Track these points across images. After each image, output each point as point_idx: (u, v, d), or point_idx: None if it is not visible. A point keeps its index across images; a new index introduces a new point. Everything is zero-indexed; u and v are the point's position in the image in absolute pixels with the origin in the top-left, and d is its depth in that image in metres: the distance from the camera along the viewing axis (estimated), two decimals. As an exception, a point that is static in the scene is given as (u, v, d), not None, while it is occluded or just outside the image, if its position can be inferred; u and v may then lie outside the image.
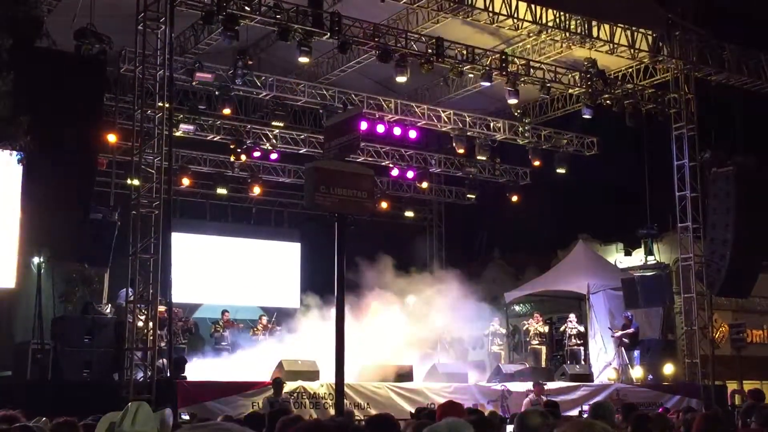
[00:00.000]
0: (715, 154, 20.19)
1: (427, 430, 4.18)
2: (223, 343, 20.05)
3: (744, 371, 21.35)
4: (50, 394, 13.70)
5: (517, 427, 4.98)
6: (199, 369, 17.59)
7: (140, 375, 14.39)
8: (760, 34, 21.74)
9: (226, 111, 19.92)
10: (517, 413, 6.39)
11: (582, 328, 21.72)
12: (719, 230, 19.95)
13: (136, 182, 15.23)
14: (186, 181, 22.70)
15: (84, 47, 14.69)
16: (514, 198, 25.90)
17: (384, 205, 26.01)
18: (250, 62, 19.01)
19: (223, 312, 20.92)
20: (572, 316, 21.88)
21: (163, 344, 15.75)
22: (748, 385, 20.60)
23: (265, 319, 21.07)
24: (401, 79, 18.48)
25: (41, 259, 15.54)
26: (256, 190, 24.35)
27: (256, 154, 22.91)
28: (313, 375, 15.97)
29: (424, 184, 26.04)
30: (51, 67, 13.99)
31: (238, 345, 20.01)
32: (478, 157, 24.00)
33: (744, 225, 19.64)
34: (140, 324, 15.06)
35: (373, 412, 14.33)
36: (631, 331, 20.88)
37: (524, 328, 22.57)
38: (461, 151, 23.15)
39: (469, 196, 26.31)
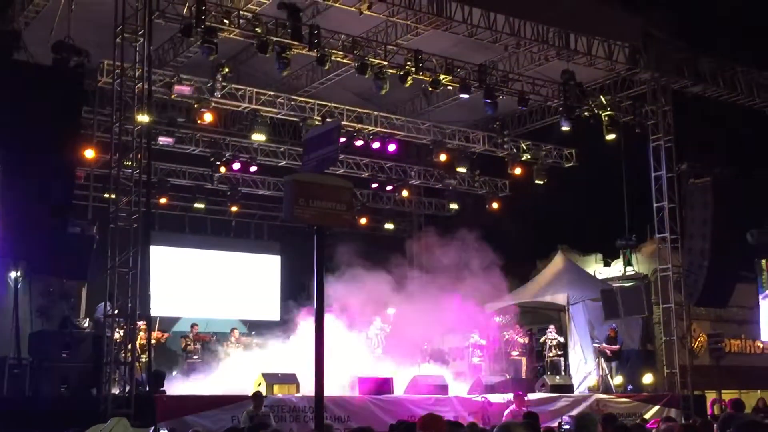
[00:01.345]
0: (692, 165, 20.39)
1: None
2: (195, 357, 19.84)
3: (722, 381, 21.49)
4: (28, 410, 13.54)
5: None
6: (175, 383, 17.48)
7: (119, 389, 14.28)
8: (735, 46, 22.02)
9: (208, 117, 19.73)
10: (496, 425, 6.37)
11: (562, 339, 21.79)
12: (697, 241, 20.12)
13: (114, 195, 15.13)
14: (163, 201, 22.72)
15: (62, 60, 14.60)
16: (494, 208, 26.04)
17: (363, 221, 26.10)
18: (229, 75, 18.99)
19: (192, 325, 20.66)
20: (552, 327, 21.94)
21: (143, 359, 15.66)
22: (727, 395, 20.77)
23: (237, 332, 20.88)
24: (380, 91, 18.54)
25: (18, 274, 15.40)
26: (235, 209, 24.43)
27: (236, 166, 22.86)
28: (293, 388, 15.92)
29: (405, 193, 26.13)
30: (28, 80, 13.92)
31: (212, 358, 19.80)
32: (458, 169, 24.09)
33: (721, 235, 19.82)
34: (118, 338, 14.95)
35: (354, 425, 14.28)
36: (617, 347, 20.95)
37: (504, 339, 22.59)
38: (444, 158, 23.22)
39: (452, 206, 26.37)
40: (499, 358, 22.41)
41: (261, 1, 16.80)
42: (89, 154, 18.83)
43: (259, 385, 15.86)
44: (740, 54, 21.49)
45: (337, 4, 16.84)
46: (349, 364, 17.70)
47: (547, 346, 21.65)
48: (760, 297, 22.33)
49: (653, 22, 19.90)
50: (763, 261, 22.01)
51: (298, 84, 21.42)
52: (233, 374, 17.68)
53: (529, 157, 23.96)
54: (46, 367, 14.77)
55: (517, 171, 23.98)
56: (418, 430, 6.35)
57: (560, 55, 19.29)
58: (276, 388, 15.83)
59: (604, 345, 21.01)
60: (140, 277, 14.57)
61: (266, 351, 19.48)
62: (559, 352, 21.61)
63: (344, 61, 18.56)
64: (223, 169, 22.73)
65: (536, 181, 23.98)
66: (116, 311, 14.81)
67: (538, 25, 18.49)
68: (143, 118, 15.29)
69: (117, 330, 14.94)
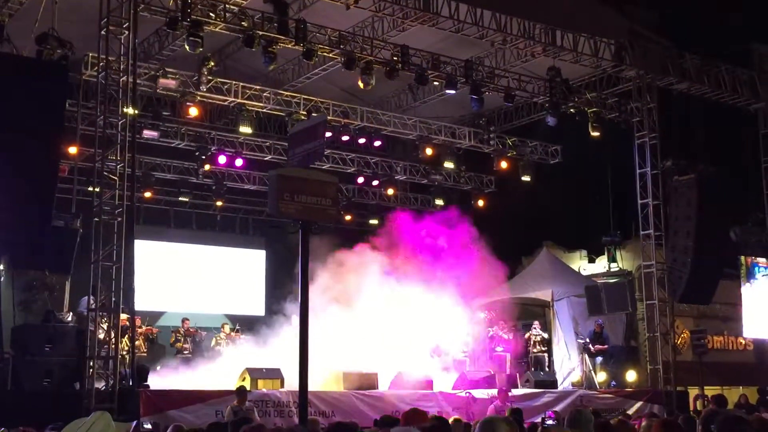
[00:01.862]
0: (677, 162, 20.47)
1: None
2: (184, 352, 19.78)
3: (705, 377, 21.57)
4: (10, 404, 13.47)
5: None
6: (161, 378, 17.41)
7: (102, 384, 14.21)
8: (720, 45, 22.09)
9: (194, 111, 19.69)
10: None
11: (546, 335, 21.85)
12: (680, 238, 20.21)
13: (98, 189, 15.04)
14: (148, 194, 22.61)
15: (46, 52, 14.49)
16: (479, 204, 26.06)
17: (348, 217, 26.05)
18: (215, 68, 18.93)
19: (183, 320, 20.62)
20: (536, 323, 22.00)
21: (125, 352, 15.57)
22: (710, 391, 20.85)
23: (227, 327, 20.84)
24: (366, 86, 18.51)
25: (1, 267, 15.31)
26: (220, 203, 24.36)
27: (221, 160, 22.75)
28: (277, 383, 15.89)
29: (390, 191, 26.11)
30: (12, 72, 13.81)
31: (200, 353, 19.77)
32: (444, 165, 24.11)
33: (704, 232, 19.91)
34: (102, 332, 14.87)
35: (338, 419, 14.27)
36: (606, 347, 21.03)
37: (489, 334, 22.62)
38: (429, 152, 23.26)
39: (437, 202, 26.38)
40: (483, 353, 22.44)
41: (247, -6, 16.75)
42: (73, 147, 18.72)
43: (244, 379, 15.83)
44: (725, 51, 21.58)
45: (323, -1, 16.81)
46: (334, 358, 17.67)
47: (532, 342, 21.70)
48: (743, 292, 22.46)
49: (639, 20, 19.96)
50: (742, 258, 22.13)
51: (284, 78, 21.37)
52: (222, 369, 17.64)
53: (514, 153, 24.01)
54: (28, 360, 14.69)
55: (503, 167, 24.02)
56: (401, 424, 6.36)
57: (546, 51, 19.32)
58: (260, 382, 15.79)
59: (593, 345, 21.03)
60: (124, 271, 14.50)
61: (251, 346, 19.45)
62: (544, 348, 21.67)
63: (331, 55, 18.53)
64: (207, 167, 22.64)
65: (522, 177, 24.02)
66: (100, 305, 14.73)
67: (525, 22, 18.51)
68: (128, 111, 15.20)
69: (100, 324, 14.86)
